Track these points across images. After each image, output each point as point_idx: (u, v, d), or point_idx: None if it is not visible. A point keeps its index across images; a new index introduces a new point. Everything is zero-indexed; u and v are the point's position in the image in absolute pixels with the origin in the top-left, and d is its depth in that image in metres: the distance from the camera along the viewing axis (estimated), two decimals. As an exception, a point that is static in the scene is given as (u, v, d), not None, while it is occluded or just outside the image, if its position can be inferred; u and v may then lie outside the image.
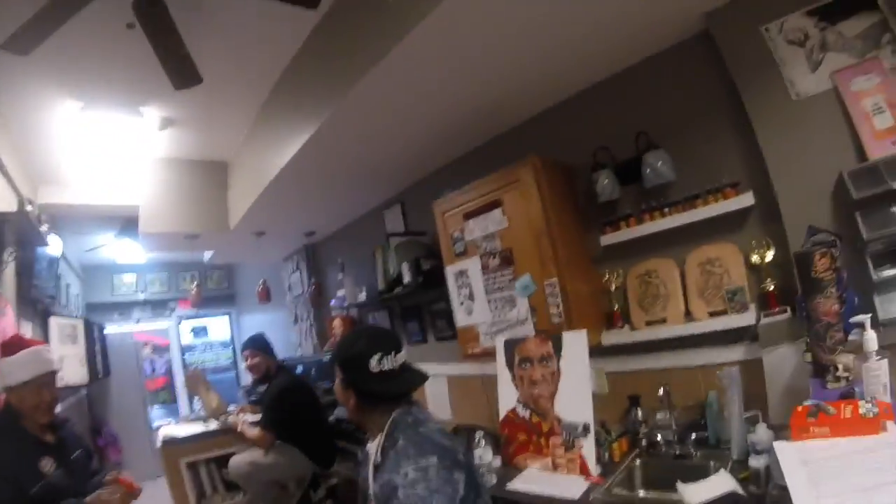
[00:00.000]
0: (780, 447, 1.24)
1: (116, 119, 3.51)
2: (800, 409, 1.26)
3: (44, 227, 3.97)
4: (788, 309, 1.97)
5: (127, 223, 5.16)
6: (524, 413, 2.39)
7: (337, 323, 4.86)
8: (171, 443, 3.71)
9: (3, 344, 2.11)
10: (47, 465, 1.91)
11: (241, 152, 4.35)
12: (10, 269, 3.71)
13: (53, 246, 4.42)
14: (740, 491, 1.56)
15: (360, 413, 1.50)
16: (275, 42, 2.88)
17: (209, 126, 3.93)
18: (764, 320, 2.00)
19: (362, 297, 4.32)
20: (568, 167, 2.67)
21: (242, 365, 7.24)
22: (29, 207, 3.64)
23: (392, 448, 1.39)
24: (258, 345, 3.63)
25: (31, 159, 3.94)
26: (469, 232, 2.86)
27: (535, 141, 2.90)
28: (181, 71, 2.39)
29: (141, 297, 8.23)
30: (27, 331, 3.92)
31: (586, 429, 2.14)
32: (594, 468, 2.08)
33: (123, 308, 8.05)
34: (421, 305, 3.87)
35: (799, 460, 1.18)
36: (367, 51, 2.24)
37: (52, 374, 2.08)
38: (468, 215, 2.86)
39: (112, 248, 6.18)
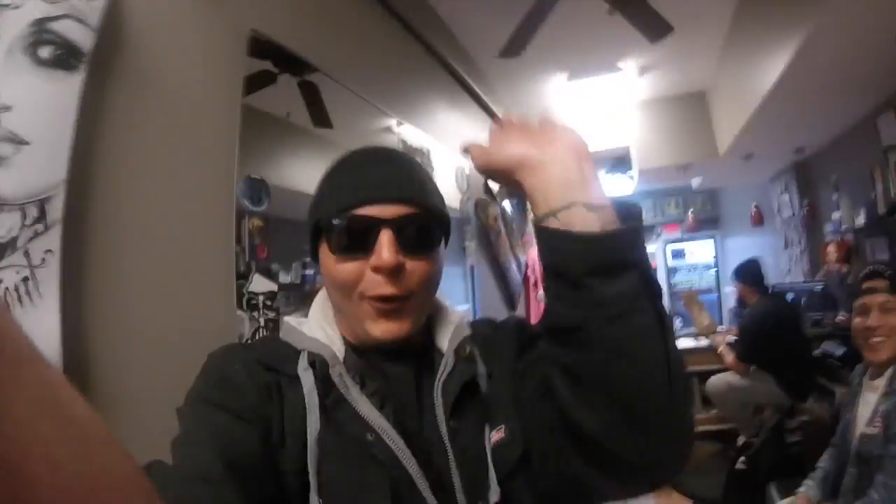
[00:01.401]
0: None
1: (599, 79, 4.27)
2: None
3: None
4: None
5: (616, 161, 6.05)
6: None
7: (831, 249, 4.55)
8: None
9: None
10: None
11: (717, 80, 4.56)
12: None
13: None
14: None
15: None
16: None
17: (681, 63, 4.28)
18: None
19: (860, 220, 3.93)
20: None
21: (726, 288, 7.46)
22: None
23: None
24: (737, 274, 3.87)
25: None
26: None
27: None
28: (653, 26, 2.76)
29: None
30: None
31: None
32: None
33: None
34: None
35: None
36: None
37: None
38: None
39: (602, 184, 7.29)
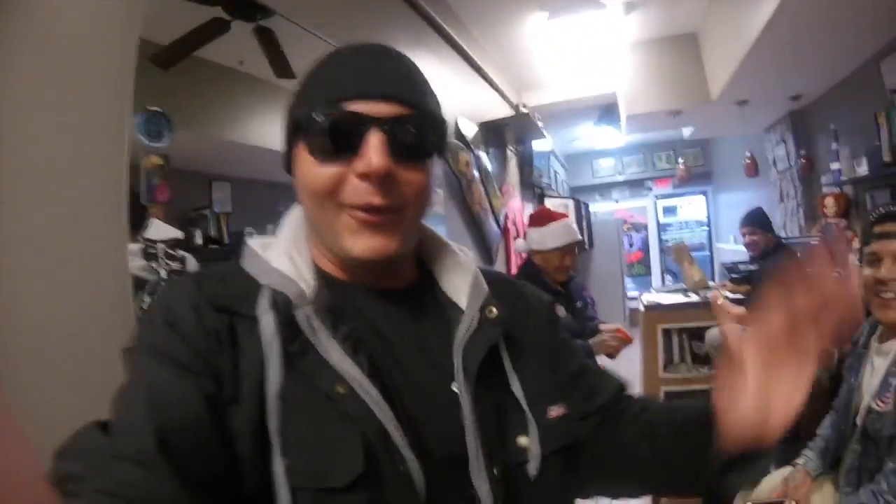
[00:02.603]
0: None
1: (582, 16, 3.95)
2: None
3: (538, 125, 4.95)
4: None
5: (604, 111, 5.83)
6: None
7: (829, 202, 4.42)
8: (653, 308, 4.22)
9: (532, 216, 2.74)
10: (560, 310, 2.37)
11: (708, 20, 4.33)
12: (513, 163, 4.85)
13: (545, 141, 5.47)
14: None
15: None
16: None
17: (671, 0, 4.02)
18: None
19: (861, 170, 3.78)
20: None
21: (718, 244, 7.33)
22: (523, 110, 4.61)
23: None
24: (756, 221, 3.69)
25: (513, 69, 4.84)
26: None
27: None
28: None
29: (619, 178, 9.20)
30: (528, 210, 5.07)
31: None
32: None
33: (603, 189, 9.23)
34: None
35: None
36: None
37: (575, 244, 2.58)
38: None
39: (590, 136, 7.10)
